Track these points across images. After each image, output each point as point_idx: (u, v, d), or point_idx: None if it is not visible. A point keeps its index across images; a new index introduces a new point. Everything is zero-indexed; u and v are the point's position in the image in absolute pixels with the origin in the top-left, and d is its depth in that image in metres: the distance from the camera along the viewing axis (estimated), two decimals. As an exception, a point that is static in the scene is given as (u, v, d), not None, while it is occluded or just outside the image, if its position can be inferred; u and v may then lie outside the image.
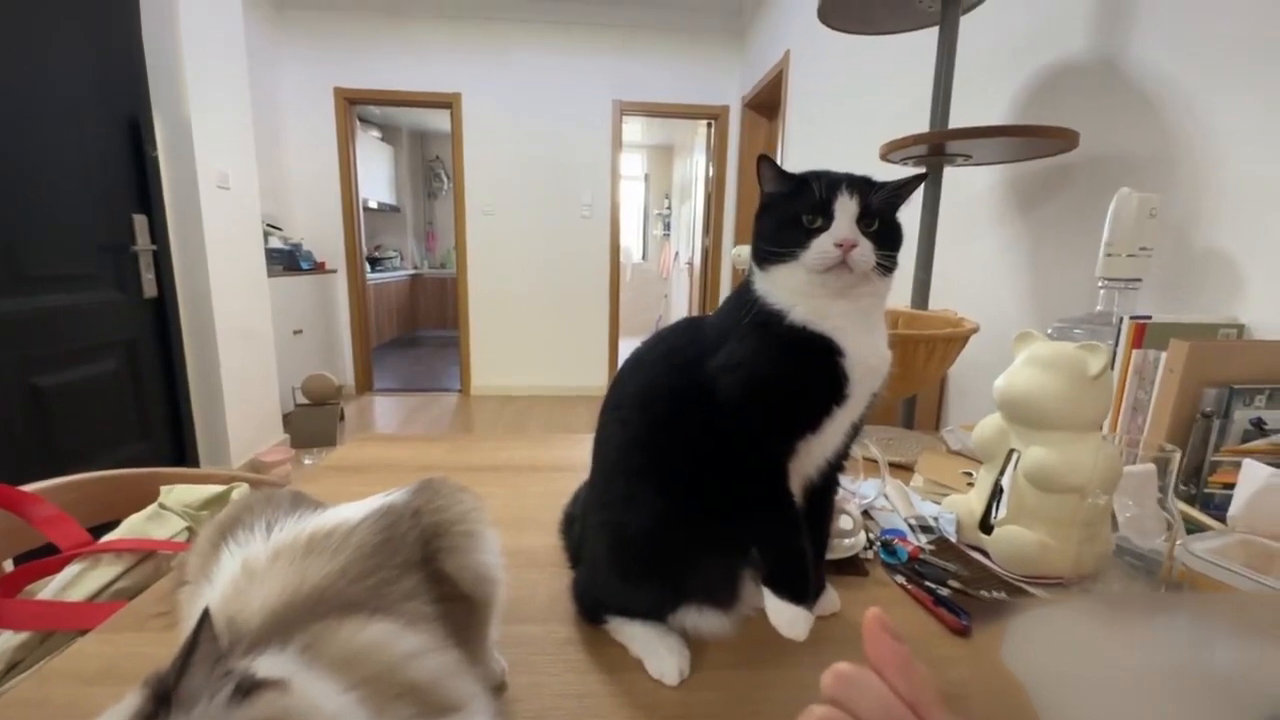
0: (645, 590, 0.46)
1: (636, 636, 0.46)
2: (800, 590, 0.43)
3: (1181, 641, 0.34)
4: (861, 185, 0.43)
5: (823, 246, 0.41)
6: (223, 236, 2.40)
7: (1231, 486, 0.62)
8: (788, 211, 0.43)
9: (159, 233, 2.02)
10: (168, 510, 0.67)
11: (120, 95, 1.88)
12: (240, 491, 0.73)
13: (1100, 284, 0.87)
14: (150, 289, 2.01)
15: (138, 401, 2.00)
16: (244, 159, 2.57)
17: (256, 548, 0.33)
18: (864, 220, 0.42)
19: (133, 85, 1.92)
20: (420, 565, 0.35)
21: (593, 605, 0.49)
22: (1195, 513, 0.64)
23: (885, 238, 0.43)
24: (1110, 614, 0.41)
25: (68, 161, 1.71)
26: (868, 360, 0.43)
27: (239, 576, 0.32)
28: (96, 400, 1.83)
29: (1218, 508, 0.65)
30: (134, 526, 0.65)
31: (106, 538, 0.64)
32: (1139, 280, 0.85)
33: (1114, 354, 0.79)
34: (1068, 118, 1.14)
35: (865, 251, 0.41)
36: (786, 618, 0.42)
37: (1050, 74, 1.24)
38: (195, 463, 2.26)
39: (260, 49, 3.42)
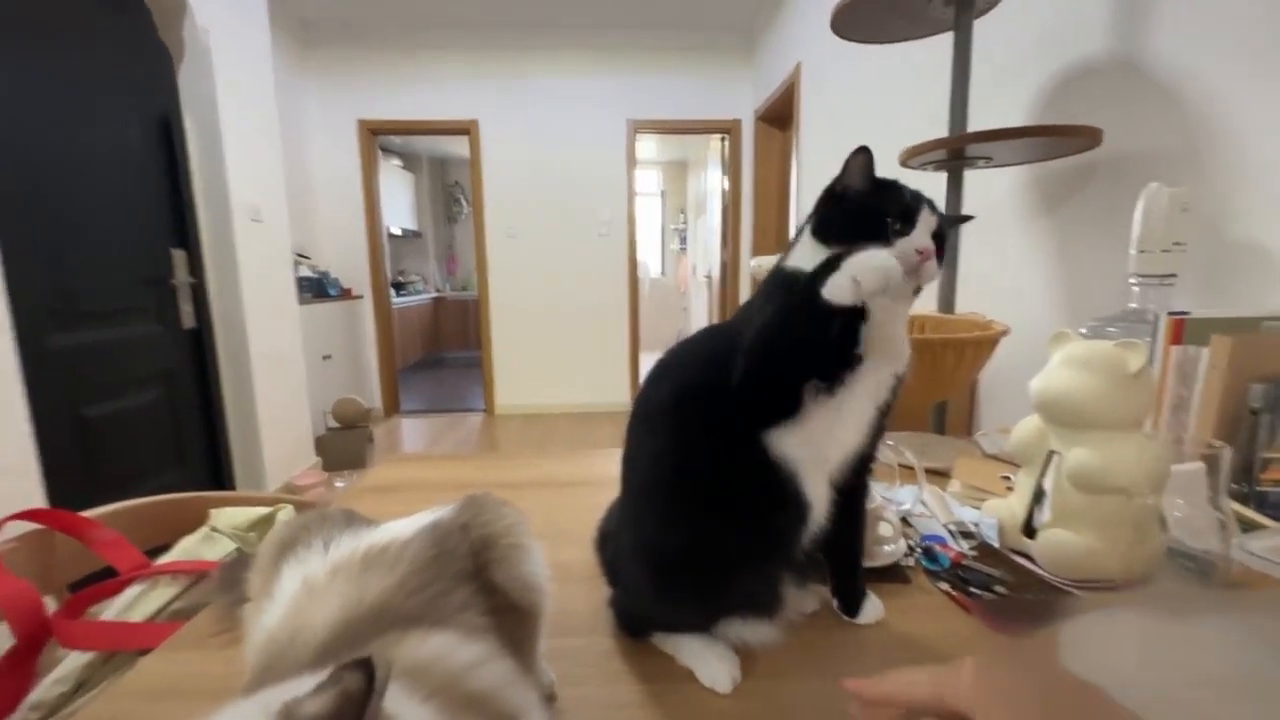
0: (689, 609, 0.46)
1: (683, 646, 0.46)
2: None
3: (1261, 639, 0.33)
4: (934, 206, 0.46)
5: (907, 249, 0.43)
6: (256, 268, 2.48)
7: (1285, 484, 0.60)
8: (870, 207, 0.44)
9: (196, 266, 2.11)
10: (218, 532, 0.69)
11: (160, 140, 1.98)
12: (286, 513, 0.75)
13: (1133, 281, 0.86)
14: (189, 320, 2.09)
15: (176, 429, 2.07)
16: (274, 193, 2.67)
17: (315, 564, 0.35)
18: (933, 238, 0.44)
19: (171, 130, 2.01)
20: (472, 577, 0.36)
21: (635, 624, 0.49)
22: (1248, 511, 0.62)
23: (939, 258, 0.45)
24: (1174, 611, 0.40)
25: (115, 203, 1.80)
26: (895, 335, 0.45)
27: (300, 593, 0.33)
28: (139, 429, 1.90)
29: (1272, 506, 0.63)
30: (187, 549, 0.67)
31: (162, 560, 0.66)
32: (1174, 276, 0.83)
33: (1152, 351, 0.78)
34: (1090, 115, 1.13)
35: (934, 265, 0.44)
36: None
37: (1069, 73, 1.24)
38: (232, 488, 2.32)
39: (287, 87, 3.55)
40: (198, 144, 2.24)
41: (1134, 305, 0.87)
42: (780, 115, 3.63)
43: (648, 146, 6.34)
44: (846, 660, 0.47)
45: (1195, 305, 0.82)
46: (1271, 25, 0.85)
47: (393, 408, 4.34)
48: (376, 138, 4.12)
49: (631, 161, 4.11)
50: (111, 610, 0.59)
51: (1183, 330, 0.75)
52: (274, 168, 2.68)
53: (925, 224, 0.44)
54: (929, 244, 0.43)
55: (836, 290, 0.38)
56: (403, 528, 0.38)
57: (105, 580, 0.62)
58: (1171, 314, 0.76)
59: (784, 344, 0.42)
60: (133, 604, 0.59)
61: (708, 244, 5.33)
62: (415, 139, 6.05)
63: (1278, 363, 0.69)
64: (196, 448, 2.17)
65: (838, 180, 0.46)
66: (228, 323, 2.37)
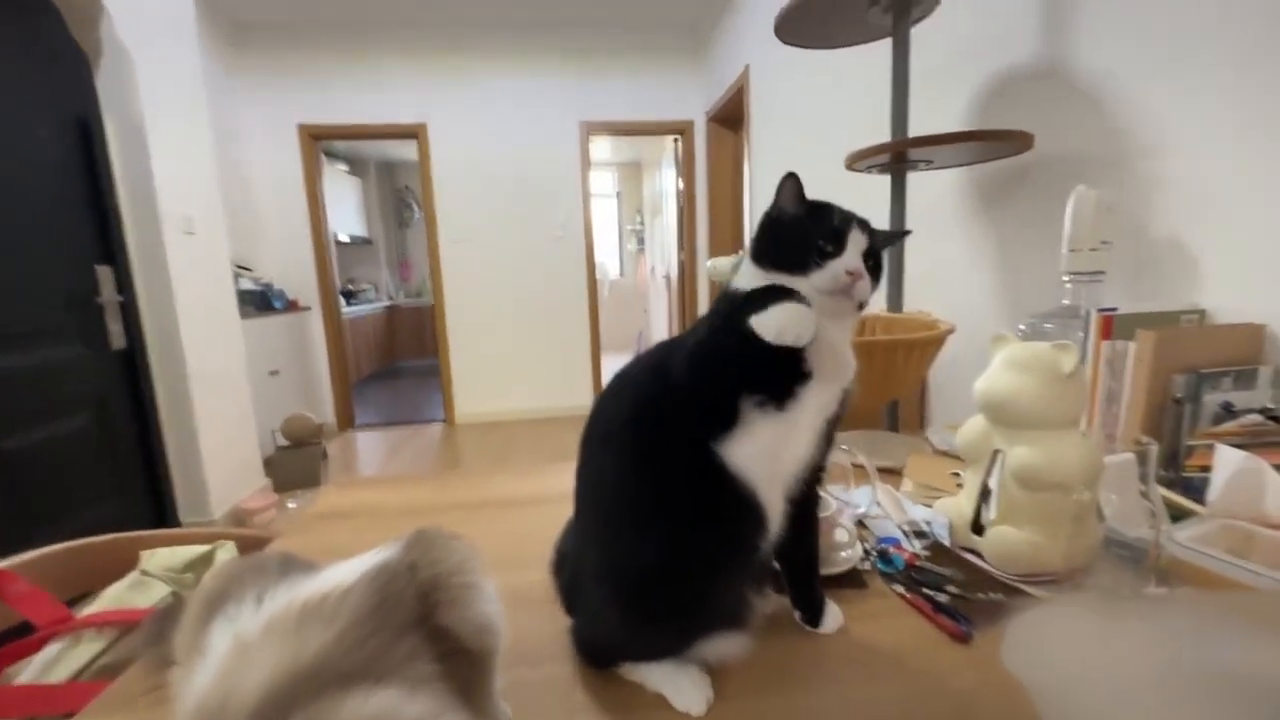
0: (663, 633, 0.45)
1: (653, 672, 0.45)
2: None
3: (1187, 639, 0.35)
4: (867, 225, 0.47)
5: (836, 271, 0.44)
6: (190, 282, 2.35)
7: (1207, 469, 0.63)
8: (802, 231, 0.46)
9: (124, 283, 1.98)
10: (150, 576, 0.64)
11: (78, 149, 1.85)
12: (226, 550, 0.71)
13: (1065, 278, 0.90)
14: (118, 341, 1.96)
15: (111, 458, 1.94)
16: (208, 202, 2.53)
17: (247, 621, 0.32)
18: (865, 257, 0.45)
19: (90, 138, 1.88)
20: (419, 623, 0.34)
21: (600, 655, 0.48)
22: (1176, 497, 0.65)
23: (874, 275, 0.46)
24: (1111, 612, 0.42)
25: (26, 216, 1.67)
26: (840, 352, 0.46)
27: (231, 653, 0.31)
28: (67, 460, 1.78)
29: (1197, 490, 0.67)
30: (116, 597, 0.62)
31: (86, 611, 0.61)
32: (1102, 273, 0.88)
33: (1084, 346, 0.81)
34: (1023, 119, 1.18)
35: (867, 284, 0.45)
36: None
37: (1003, 78, 1.29)
38: (175, 516, 2.20)
39: (221, 91, 3.38)
40: (121, 153, 2.10)
41: (1067, 302, 0.91)
42: (731, 116, 3.67)
43: (602, 148, 6.31)
44: (812, 671, 0.47)
45: (1123, 301, 0.86)
46: (1178, 35, 0.90)
47: (347, 422, 4.20)
48: (319, 143, 3.97)
49: (586, 163, 4.08)
50: (29, 671, 0.54)
51: (1111, 326, 0.79)
52: (207, 176, 2.54)
53: (855, 244, 0.45)
54: (858, 265, 0.44)
55: (761, 328, 0.40)
56: (345, 573, 0.36)
57: (21, 638, 0.57)
58: (1101, 310, 0.80)
59: (717, 361, 0.44)
60: (53, 663, 0.54)
61: (665, 244, 5.35)
62: (362, 143, 5.86)
63: (1196, 354, 0.73)
64: (135, 476, 2.04)
65: (772, 205, 0.47)
66: (162, 341, 2.24)
